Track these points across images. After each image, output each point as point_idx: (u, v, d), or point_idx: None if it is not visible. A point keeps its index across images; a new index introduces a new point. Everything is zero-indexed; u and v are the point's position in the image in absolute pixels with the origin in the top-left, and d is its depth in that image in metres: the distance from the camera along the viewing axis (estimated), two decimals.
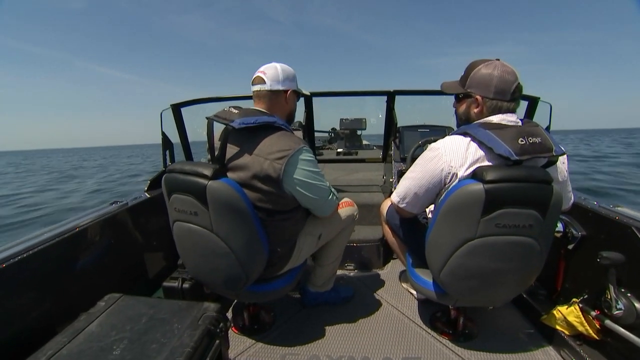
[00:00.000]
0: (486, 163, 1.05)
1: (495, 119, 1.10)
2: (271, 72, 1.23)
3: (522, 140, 1.00)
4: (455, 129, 1.28)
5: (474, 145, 1.07)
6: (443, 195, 1.11)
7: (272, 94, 1.24)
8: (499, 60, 1.11)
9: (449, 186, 1.10)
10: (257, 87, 1.24)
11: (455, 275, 1.15)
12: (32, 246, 1.11)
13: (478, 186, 0.99)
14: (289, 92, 1.26)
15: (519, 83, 1.09)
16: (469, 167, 1.06)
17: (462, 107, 1.18)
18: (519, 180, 1.00)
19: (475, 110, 1.13)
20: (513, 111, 1.12)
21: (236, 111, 1.17)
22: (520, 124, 1.10)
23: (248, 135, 1.15)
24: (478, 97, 1.11)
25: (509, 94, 1.09)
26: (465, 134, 1.10)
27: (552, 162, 1.08)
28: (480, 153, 1.06)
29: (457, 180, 1.08)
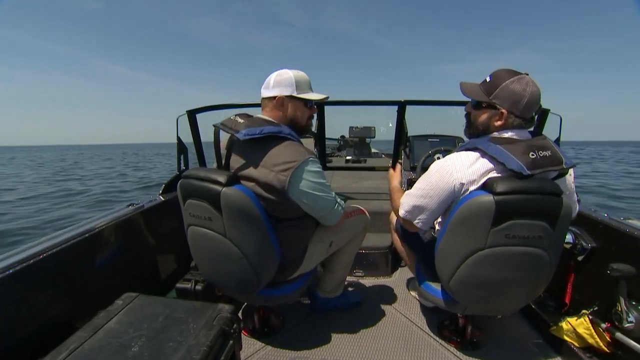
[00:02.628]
0: (496, 176, 1.06)
1: (507, 134, 1.09)
2: (267, 80, 1.25)
3: (532, 154, 1.00)
4: (463, 137, 1.29)
5: (483, 160, 1.07)
6: (453, 206, 1.12)
7: (266, 101, 1.25)
8: (528, 75, 1.08)
9: (459, 199, 1.11)
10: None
11: (465, 284, 1.16)
12: (53, 246, 1.16)
13: (488, 197, 1.01)
14: (277, 98, 1.22)
15: (540, 104, 1.09)
16: (479, 182, 1.06)
17: (483, 117, 1.13)
18: (529, 192, 1.01)
19: (497, 124, 1.10)
20: (525, 128, 1.12)
21: (242, 121, 1.17)
22: (529, 137, 1.10)
23: (253, 145, 1.16)
24: (504, 111, 1.07)
25: (532, 114, 1.08)
26: (475, 149, 1.10)
27: (563, 174, 1.08)
28: (491, 167, 1.06)
29: (468, 192, 1.08)
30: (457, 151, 1.15)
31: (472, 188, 1.07)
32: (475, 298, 1.20)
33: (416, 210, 1.19)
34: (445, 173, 1.10)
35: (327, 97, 1.33)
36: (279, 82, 1.22)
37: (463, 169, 1.08)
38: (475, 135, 1.18)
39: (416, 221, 1.21)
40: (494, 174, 1.06)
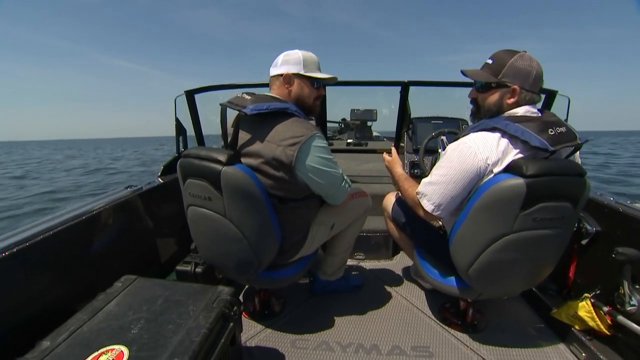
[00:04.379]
0: (520, 157, 1.04)
1: (521, 111, 1.08)
2: (276, 59, 1.25)
3: (551, 131, 1.00)
4: (467, 119, 1.26)
5: (504, 140, 1.04)
6: (474, 191, 1.08)
7: (273, 79, 1.26)
8: (526, 52, 1.08)
9: (480, 183, 1.07)
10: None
11: (485, 271, 1.13)
12: (51, 227, 1.14)
13: (518, 181, 0.98)
14: (284, 75, 1.21)
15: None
16: (503, 163, 1.04)
17: (494, 97, 1.11)
18: (557, 173, 1.00)
19: (510, 101, 1.09)
20: (535, 103, 1.12)
21: (249, 97, 1.16)
22: (540, 114, 1.09)
23: (261, 121, 1.15)
24: (516, 87, 1.07)
25: (539, 87, 1.09)
26: (493, 129, 1.06)
27: (577, 149, 1.08)
28: (512, 147, 1.04)
29: (492, 176, 1.05)
30: (473, 132, 1.11)
31: (496, 169, 1.04)
32: (493, 283, 1.18)
33: (440, 198, 1.12)
34: (469, 154, 1.05)
35: (336, 78, 1.31)
36: (287, 60, 1.23)
37: (487, 148, 1.04)
38: (487, 118, 1.15)
39: (441, 211, 1.13)
40: (517, 154, 1.04)
